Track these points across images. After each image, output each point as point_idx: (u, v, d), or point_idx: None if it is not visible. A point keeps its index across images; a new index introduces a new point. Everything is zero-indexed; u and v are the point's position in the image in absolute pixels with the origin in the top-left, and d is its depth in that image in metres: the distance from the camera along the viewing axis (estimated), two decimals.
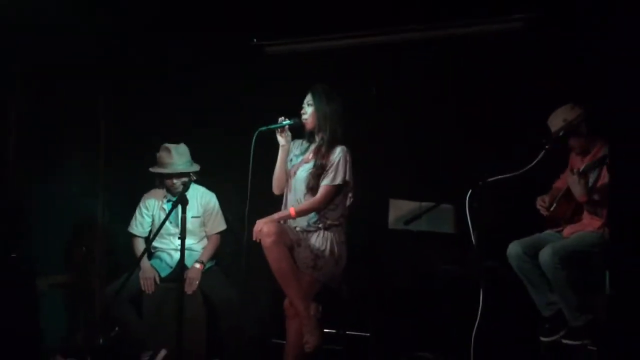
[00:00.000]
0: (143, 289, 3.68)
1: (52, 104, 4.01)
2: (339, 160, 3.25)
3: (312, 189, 3.28)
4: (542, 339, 3.20)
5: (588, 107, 3.22)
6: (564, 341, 3.12)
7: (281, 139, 3.37)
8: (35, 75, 3.94)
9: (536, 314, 3.23)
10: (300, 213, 3.26)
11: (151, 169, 3.81)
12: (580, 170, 3.12)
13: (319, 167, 3.27)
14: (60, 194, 4.01)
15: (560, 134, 3.22)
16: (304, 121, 3.34)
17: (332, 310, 3.35)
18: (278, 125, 3.34)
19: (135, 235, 3.90)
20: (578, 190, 3.12)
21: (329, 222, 3.30)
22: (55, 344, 3.78)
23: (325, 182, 3.26)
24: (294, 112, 3.37)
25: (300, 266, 3.23)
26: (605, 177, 3.11)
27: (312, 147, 3.38)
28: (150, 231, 3.89)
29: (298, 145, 3.46)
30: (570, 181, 3.15)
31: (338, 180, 3.25)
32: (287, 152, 3.41)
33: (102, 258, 4.22)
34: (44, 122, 4.02)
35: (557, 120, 3.27)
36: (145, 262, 3.74)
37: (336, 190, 3.28)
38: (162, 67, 4.19)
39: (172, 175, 3.75)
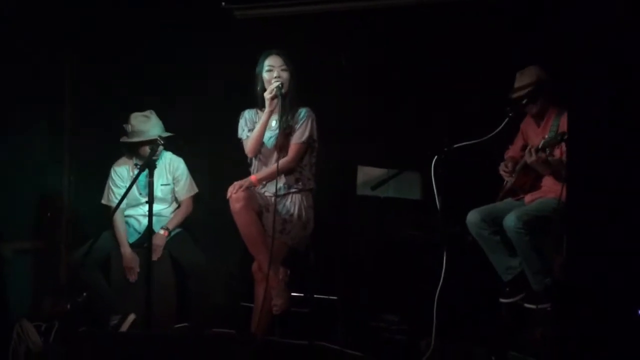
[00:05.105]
0: (127, 277, 3.65)
1: (17, 67, 3.91)
2: (305, 119, 3.34)
3: (281, 148, 3.33)
4: (502, 300, 3.29)
5: (552, 73, 3.27)
6: (525, 305, 3.20)
7: (273, 104, 3.30)
8: None
9: (497, 278, 3.33)
10: (268, 177, 3.31)
11: (124, 139, 3.70)
12: (539, 146, 3.18)
13: (287, 127, 3.32)
14: (26, 159, 3.94)
15: (530, 88, 3.22)
16: (281, 88, 3.28)
17: (299, 274, 3.42)
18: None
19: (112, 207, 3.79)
20: (540, 168, 3.19)
21: (300, 186, 3.35)
22: (22, 309, 3.76)
23: (294, 141, 3.34)
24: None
25: (268, 230, 3.26)
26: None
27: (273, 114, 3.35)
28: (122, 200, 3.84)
29: (253, 115, 3.45)
30: (530, 160, 3.17)
31: (304, 138, 3.33)
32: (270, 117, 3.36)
33: (68, 224, 4.18)
34: (8, 86, 3.91)
35: (529, 74, 3.26)
36: (127, 250, 3.67)
37: (305, 148, 3.36)
38: (131, 32, 4.11)
39: (150, 142, 3.63)
